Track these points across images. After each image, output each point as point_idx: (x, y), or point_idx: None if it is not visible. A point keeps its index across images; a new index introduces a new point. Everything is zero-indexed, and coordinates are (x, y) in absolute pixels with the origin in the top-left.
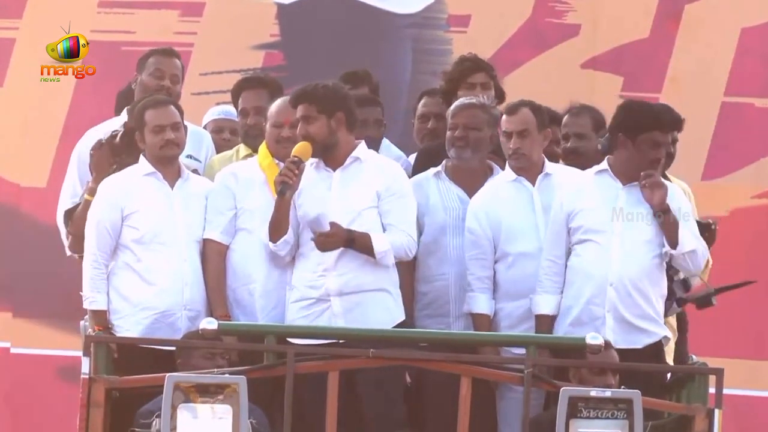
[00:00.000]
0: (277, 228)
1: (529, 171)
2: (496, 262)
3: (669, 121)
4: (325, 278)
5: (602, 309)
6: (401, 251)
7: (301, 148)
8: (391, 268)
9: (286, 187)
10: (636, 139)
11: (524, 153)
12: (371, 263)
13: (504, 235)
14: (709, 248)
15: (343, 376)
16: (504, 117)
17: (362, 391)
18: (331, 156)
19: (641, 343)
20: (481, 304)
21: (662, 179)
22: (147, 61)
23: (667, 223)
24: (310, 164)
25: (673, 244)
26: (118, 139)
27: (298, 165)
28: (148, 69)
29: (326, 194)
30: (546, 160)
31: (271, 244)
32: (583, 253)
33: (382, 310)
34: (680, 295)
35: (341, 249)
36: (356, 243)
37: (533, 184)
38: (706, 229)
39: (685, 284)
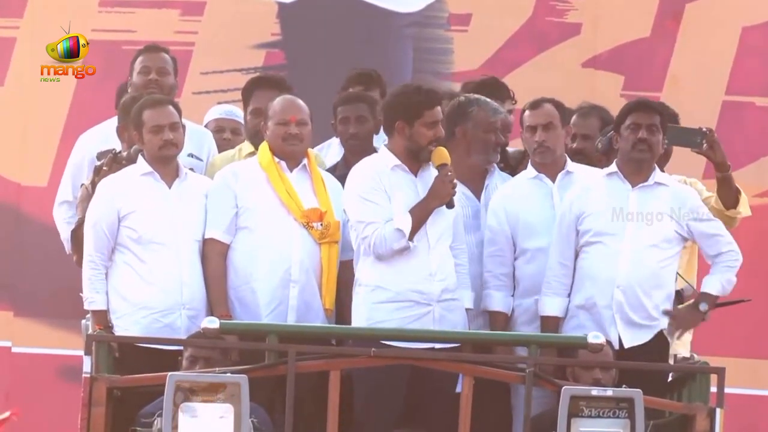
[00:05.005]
0: (419, 229)
1: (551, 168)
2: (516, 258)
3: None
4: (429, 284)
5: (610, 311)
6: None
7: (444, 154)
8: None
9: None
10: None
11: (549, 146)
12: (454, 272)
13: (522, 231)
14: (726, 158)
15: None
16: (527, 112)
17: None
18: (419, 161)
19: (645, 339)
20: (497, 302)
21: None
22: (135, 62)
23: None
24: (391, 168)
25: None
26: (125, 162)
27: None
28: (136, 69)
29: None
30: (568, 159)
31: (411, 244)
32: (591, 256)
33: (464, 315)
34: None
35: (442, 255)
36: None
37: (553, 181)
38: (701, 135)
39: (678, 296)
